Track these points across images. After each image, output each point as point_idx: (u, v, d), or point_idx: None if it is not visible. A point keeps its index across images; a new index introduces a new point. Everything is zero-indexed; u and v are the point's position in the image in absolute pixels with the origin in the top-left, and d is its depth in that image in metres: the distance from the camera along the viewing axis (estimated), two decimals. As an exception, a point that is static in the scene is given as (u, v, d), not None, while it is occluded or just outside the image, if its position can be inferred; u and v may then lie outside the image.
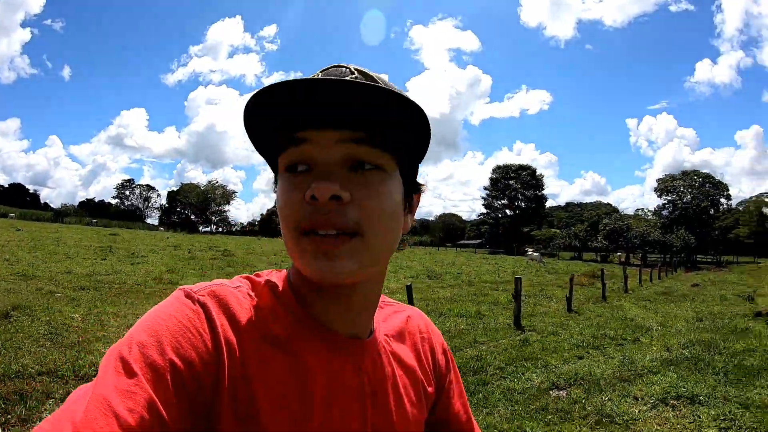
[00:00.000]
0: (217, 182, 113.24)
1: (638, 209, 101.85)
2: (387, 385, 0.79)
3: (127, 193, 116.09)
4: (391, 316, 0.90)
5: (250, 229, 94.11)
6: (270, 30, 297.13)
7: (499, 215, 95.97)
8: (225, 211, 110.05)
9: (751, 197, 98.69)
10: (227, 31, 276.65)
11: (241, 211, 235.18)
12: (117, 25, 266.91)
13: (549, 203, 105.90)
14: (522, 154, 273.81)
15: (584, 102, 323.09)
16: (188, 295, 0.66)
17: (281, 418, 0.65)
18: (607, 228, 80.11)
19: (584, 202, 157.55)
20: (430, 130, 0.70)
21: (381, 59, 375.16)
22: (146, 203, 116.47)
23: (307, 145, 0.67)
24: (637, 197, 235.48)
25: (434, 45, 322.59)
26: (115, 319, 8.25)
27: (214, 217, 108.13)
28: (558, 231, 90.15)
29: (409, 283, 8.64)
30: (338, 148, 0.67)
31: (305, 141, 0.67)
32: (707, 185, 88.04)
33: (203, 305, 0.65)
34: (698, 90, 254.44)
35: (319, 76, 0.69)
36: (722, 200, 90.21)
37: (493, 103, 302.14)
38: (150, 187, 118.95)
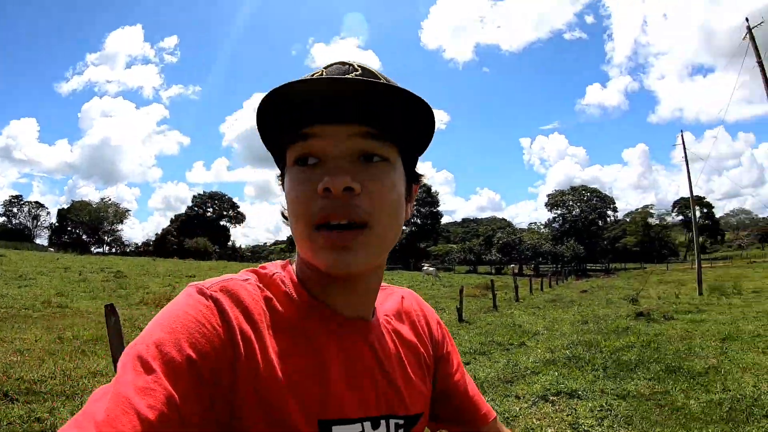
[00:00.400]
0: (110, 200, 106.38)
1: (531, 223, 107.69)
2: (393, 361, 0.85)
3: (15, 210, 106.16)
4: (387, 298, 0.97)
5: (144, 250, 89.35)
6: (171, 41, 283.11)
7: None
8: (118, 231, 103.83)
9: (637, 209, 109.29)
10: (126, 39, 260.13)
11: (135, 231, 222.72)
12: (7, 27, 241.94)
13: (446, 219, 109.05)
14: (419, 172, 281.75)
15: (480, 122, 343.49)
16: (200, 292, 0.70)
17: (303, 399, 0.70)
18: (501, 242, 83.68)
19: (480, 217, 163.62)
20: (434, 123, 0.75)
21: (282, 77, 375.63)
22: (35, 222, 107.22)
23: (317, 139, 0.72)
24: (531, 212, 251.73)
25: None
26: (2, 344, 7.96)
27: (107, 237, 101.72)
28: (454, 246, 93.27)
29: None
30: (347, 142, 0.72)
31: (315, 136, 0.72)
32: (595, 199, 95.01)
33: (216, 300, 0.69)
34: (588, 112, 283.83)
35: (324, 73, 0.75)
36: (609, 212, 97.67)
37: None
38: (39, 205, 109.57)
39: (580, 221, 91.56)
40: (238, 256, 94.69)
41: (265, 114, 0.72)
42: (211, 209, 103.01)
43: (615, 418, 5.27)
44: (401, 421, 0.83)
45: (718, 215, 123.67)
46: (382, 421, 0.80)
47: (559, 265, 77.54)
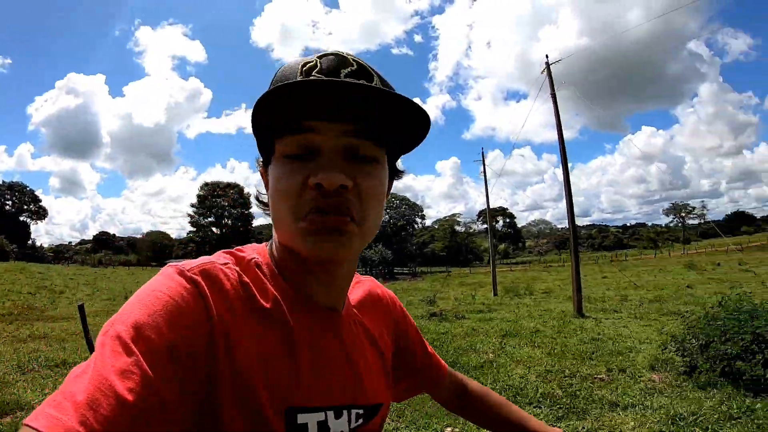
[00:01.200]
0: None
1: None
2: (358, 353, 0.90)
3: None
4: (354, 287, 1.02)
5: None
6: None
7: (209, 233, 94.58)
8: None
9: (445, 217, 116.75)
10: None
11: None
12: None
13: (260, 222, 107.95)
14: (235, 171, 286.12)
15: None
16: (180, 273, 0.71)
17: (274, 386, 0.72)
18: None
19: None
20: (428, 130, 0.79)
21: (101, 58, 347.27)
22: None
23: (311, 134, 0.74)
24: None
25: (159, 50, 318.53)
26: None
27: None
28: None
29: (81, 303, 8.23)
30: (341, 139, 0.75)
31: (310, 130, 0.74)
32: (404, 207, 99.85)
33: (196, 283, 0.70)
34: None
35: (317, 63, 0.77)
36: (417, 219, 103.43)
37: (211, 118, 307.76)
38: None
39: (389, 227, 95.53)
40: (38, 256, 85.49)
41: (265, 104, 0.72)
42: (9, 202, 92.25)
43: (392, 411, 5.37)
44: (361, 411, 0.87)
45: (520, 224, 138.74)
46: (344, 411, 0.83)
47: (367, 269, 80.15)
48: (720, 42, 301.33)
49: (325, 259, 0.76)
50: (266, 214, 0.90)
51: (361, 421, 0.87)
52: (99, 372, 0.58)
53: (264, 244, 0.91)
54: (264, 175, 0.87)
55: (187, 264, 0.73)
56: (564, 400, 5.86)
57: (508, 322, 12.17)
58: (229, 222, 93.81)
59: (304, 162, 0.75)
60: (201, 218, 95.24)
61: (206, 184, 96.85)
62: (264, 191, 0.90)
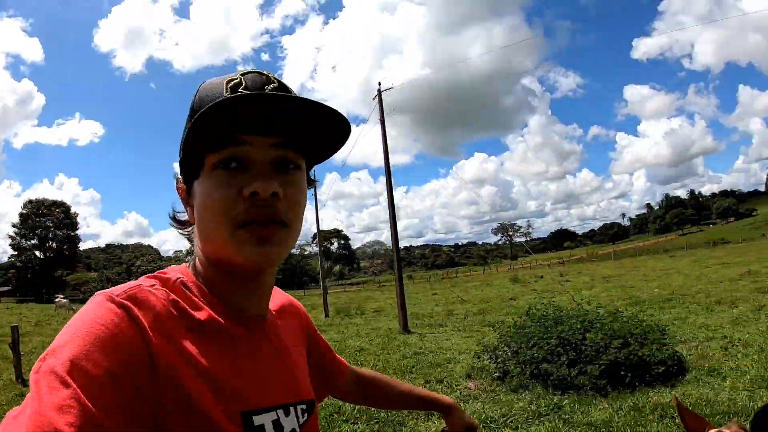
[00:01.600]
0: None
1: (177, 251, 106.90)
2: (287, 353, 0.95)
3: None
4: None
5: None
6: None
7: (32, 257, 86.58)
8: None
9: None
10: None
11: None
12: None
13: (89, 244, 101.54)
14: (64, 188, 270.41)
15: (138, 140, 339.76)
16: (110, 299, 0.71)
17: (223, 395, 0.74)
18: (140, 269, 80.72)
19: (126, 243, 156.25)
20: (347, 139, 0.86)
21: None
22: None
23: (244, 146, 0.78)
24: (180, 239, 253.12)
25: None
26: None
27: None
28: (94, 274, 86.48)
29: None
30: (270, 151, 0.80)
31: (243, 143, 0.78)
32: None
33: (126, 307, 0.70)
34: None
35: (241, 80, 0.81)
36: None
37: (41, 126, 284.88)
38: None
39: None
40: None
41: (201, 120, 0.74)
42: None
43: None
44: (304, 406, 0.92)
45: (356, 246, 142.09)
46: (291, 408, 0.87)
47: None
48: (551, 79, 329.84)
49: (260, 266, 0.81)
50: (181, 233, 0.96)
51: (306, 416, 0.92)
52: (36, 410, 0.57)
53: (184, 264, 0.92)
54: (183, 191, 0.89)
55: (115, 290, 0.73)
56: (381, 414, 5.92)
57: (335, 342, 12.19)
58: (54, 245, 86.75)
59: (236, 173, 0.78)
60: (23, 240, 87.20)
61: (30, 202, 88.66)
62: (180, 209, 0.93)
